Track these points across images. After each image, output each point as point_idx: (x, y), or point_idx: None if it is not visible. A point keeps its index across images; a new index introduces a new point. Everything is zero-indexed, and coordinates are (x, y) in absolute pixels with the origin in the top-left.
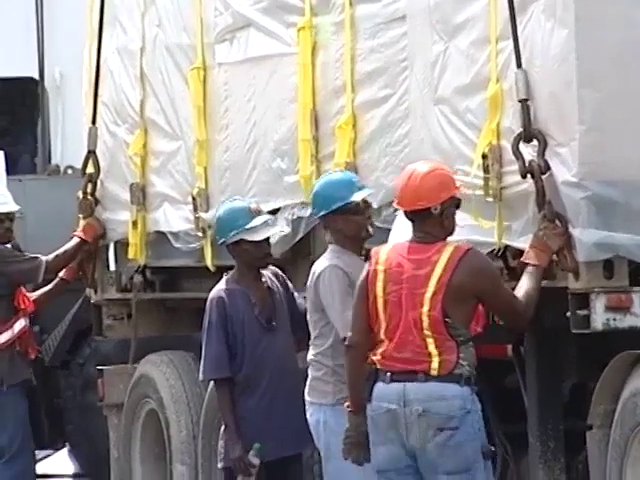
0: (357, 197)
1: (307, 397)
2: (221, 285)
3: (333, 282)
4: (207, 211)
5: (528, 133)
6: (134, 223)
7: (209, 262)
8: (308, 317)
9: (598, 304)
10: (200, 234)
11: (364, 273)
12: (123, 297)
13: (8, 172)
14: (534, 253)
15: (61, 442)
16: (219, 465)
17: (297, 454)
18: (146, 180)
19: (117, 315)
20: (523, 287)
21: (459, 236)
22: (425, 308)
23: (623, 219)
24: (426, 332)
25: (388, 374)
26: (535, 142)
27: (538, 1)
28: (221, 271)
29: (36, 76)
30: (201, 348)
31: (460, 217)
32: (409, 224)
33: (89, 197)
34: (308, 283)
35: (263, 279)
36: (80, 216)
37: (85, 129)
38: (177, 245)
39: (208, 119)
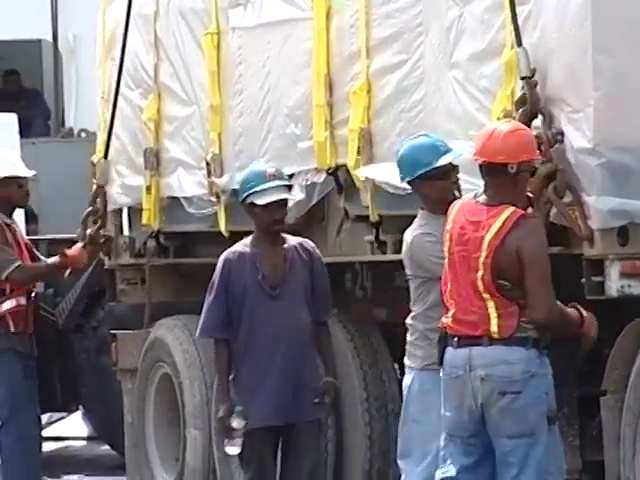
0: (442, 162)
1: (405, 361)
2: (233, 247)
3: (427, 248)
4: (221, 176)
5: (533, 109)
6: (148, 188)
7: (222, 227)
8: (409, 282)
9: (613, 270)
10: (214, 199)
11: None
12: (137, 262)
13: (22, 135)
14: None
15: (75, 405)
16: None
17: (313, 420)
18: (160, 145)
19: (131, 280)
20: (563, 310)
21: None
22: (480, 272)
23: (638, 185)
24: (484, 295)
25: (456, 339)
26: (553, 108)
27: None
28: (235, 236)
29: (50, 39)
30: None
31: (472, 184)
32: None
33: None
34: (402, 252)
35: (284, 245)
36: (94, 181)
37: (98, 93)
38: (191, 210)
39: (222, 84)
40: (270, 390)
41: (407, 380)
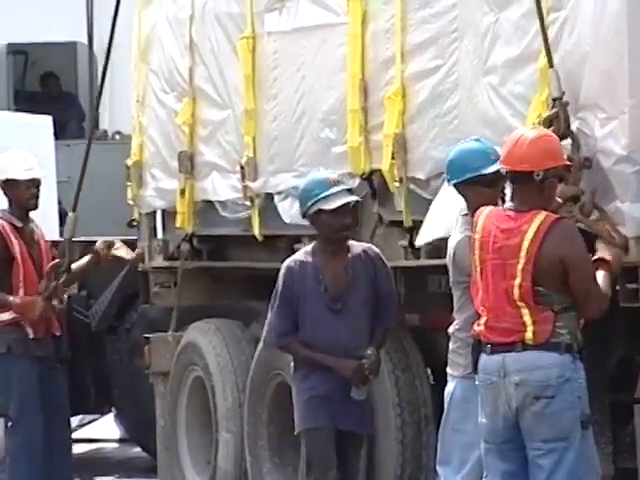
0: (490, 169)
1: (447, 369)
2: (296, 255)
3: (469, 254)
4: (255, 180)
5: (563, 131)
6: (182, 191)
7: (256, 231)
8: (452, 290)
9: None
10: (248, 203)
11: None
12: (170, 265)
13: (57, 137)
14: (604, 248)
15: (107, 407)
16: (296, 430)
17: (360, 435)
18: (194, 149)
19: (164, 283)
20: (600, 282)
21: None
22: (517, 280)
23: None
24: (519, 303)
25: (489, 345)
26: (584, 118)
27: None
28: (268, 240)
29: (85, 41)
30: (249, 316)
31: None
32: (454, 196)
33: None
34: (447, 258)
35: (348, 255)
36: (128, 184)
37: (133, 96)
38: (224, 214)
39: (257, 88)
40: (339, 395)
41: (449, 388)
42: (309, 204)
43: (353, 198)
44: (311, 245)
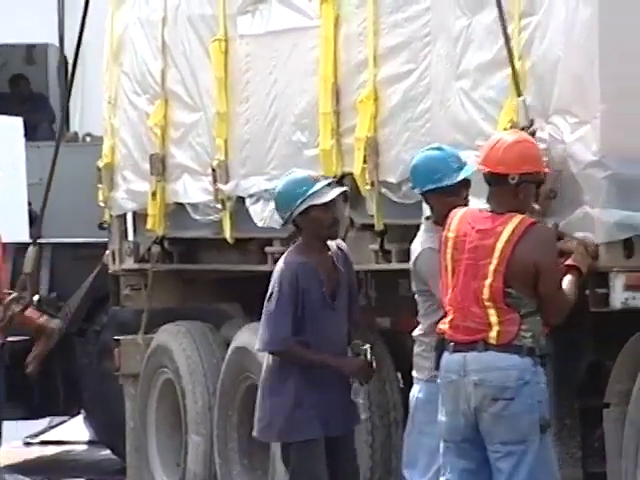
0: (451, 181)
1: (413, 373)
2: (292, 257)
3: (431, 265)
4: (226, 183)
5: None
6: (153, 194)
7: (228, 234)
8: (415, 296)
9: (617, 283)
10: (219, 206)
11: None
12: (141, 267)
13: (27, 139)
14: (575, 256)
15: (77, 409)
16: (278, 440)
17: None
18: (166, 151)
19: (135, 285)
20: (566, 287)
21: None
22: (488, 280)
23: None
24: (487, 303)
25: (452, 344)
26: (555, 123)
27: None
28: (239, 243)
29: (56, 43)
30: (219, 318)
31: (479, 193)
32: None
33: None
34: (410, 264)
35: (329, 252)
36: (99, 186)
37: (105, 98)
38: (196, 217)
39: (229, 91)
40: (325, 401)
41: (414, 391)
42: (298, 203)
43: (343, 189)
44: (295, 247)
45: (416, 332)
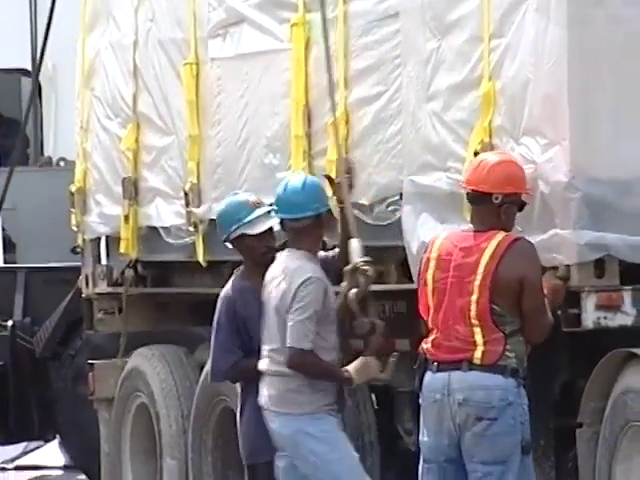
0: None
1: (277, 408)
2: (231, 283)
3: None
4: (199, 206)
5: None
6: (126, 217)
7: (200, 257)
8: (272, 323)
9: (589, 302)
10: (192, 229)
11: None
12: (114, 291)
13: (0, 163)
14: (549, 288)
15: (51, 433)
16: (246, 462)
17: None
18: (138, 174)
19: (108, 309)
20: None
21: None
22: (474, 296)
23: (614, 218)
24: (473, 321)
25: (435, 363)
26: (525, 144)
27: None
28: (212, 266)
29: (29, 68)
30: (193, 342)
31: (451, 215)
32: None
33: None
34: (282, 289)
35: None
36: (72, 210)
37: (77, 122)
38: (169, 240)
39: (201, 114)
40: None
41: (295, 426)
42: (232, 229)
43: (275, 221)
44: (240, 270)
45: (277, 367)
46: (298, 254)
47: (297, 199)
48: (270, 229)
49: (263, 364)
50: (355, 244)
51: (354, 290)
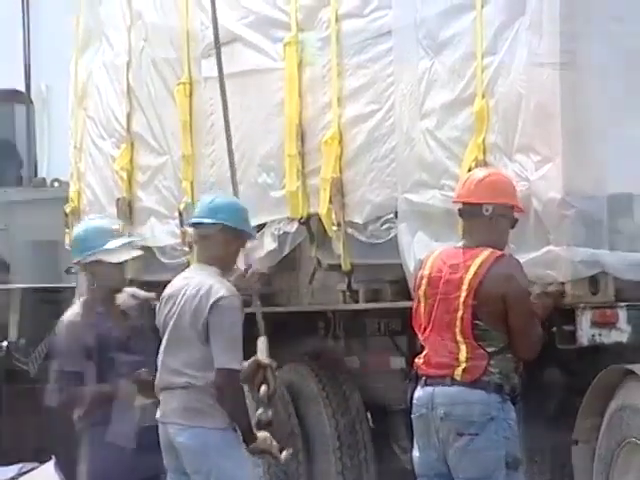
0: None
1: (186, 422)
2: (75, 309)
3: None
4: None
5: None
6: None
7: None
8: (183, 337)
9: (584, 319)
10: (186, 249)
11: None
12: None
13: None
14: (538, 305)
15: (47, 454)
16: None
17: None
18: (132, 194)
19: None
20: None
21: None
22: (459, 313)
23: (608, 235)
24: (458, 338)
25: (424, 378)
26: (519, 161)
27: (524, 16)
28: None
29: (22, 89)
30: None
31: (446, 232)
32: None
33: None
34: (197, 300)
35: (117, 302)
36: (67, 230)
37: (71, 143)
38: (163, 260)
39: (194, 134)
40: (124, 447)
41: (203, 440)
42: (88, 253)
43: (137, 253)
44: (84, 297)
45: (189, 379)
46: (210, 270)
47: (210, 206)
48: (125, 261)
49: (163, 379)
50: (263, 342)
51: (264, 387)
